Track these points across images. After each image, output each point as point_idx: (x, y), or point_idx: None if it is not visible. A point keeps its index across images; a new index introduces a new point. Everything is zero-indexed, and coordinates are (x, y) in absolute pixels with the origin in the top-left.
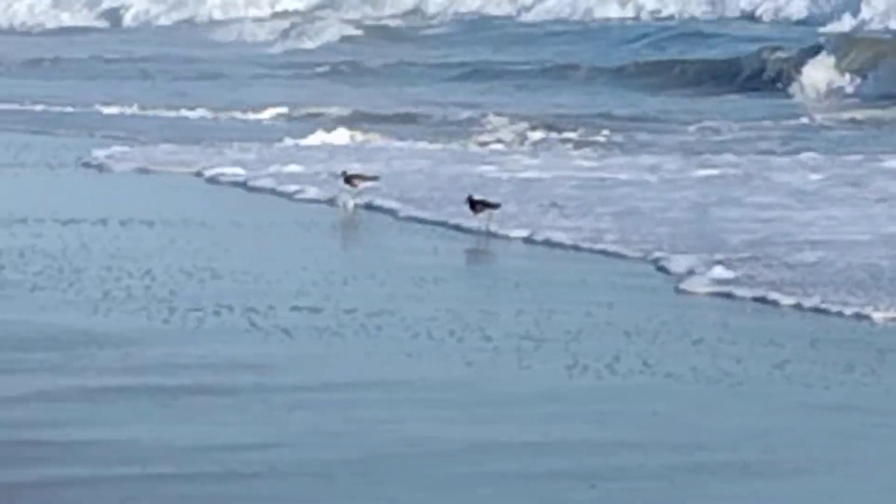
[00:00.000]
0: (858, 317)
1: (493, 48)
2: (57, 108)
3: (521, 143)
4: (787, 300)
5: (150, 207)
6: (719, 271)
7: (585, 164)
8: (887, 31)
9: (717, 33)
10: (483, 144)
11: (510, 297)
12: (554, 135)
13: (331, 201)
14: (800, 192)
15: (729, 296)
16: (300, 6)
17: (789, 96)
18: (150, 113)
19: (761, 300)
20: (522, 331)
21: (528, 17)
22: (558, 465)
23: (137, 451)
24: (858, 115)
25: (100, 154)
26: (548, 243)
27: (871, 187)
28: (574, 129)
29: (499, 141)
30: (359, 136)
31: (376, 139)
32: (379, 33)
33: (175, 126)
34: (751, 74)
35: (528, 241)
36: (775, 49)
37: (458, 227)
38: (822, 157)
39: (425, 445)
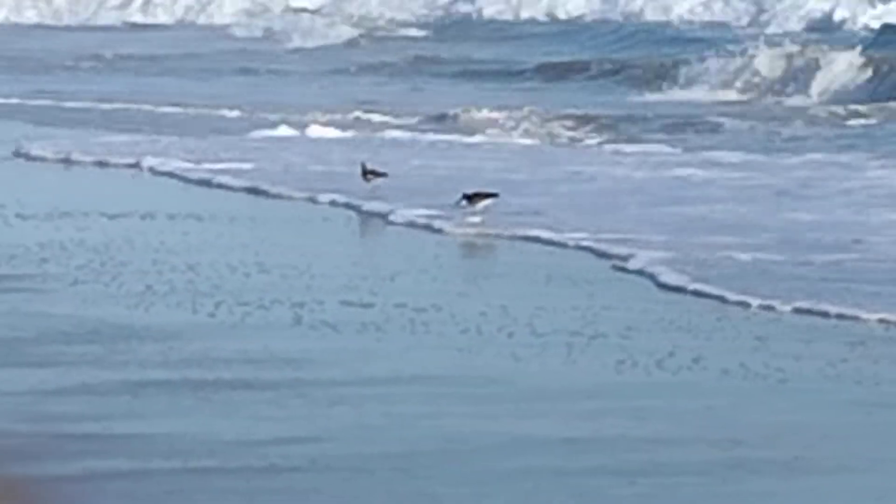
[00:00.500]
0: None
1: None
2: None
3: None
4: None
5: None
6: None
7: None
8: None
9: None
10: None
11: (562, 294)
12: None
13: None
14: None
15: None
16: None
17: None
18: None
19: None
20: (574, 327)
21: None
22: (598, 461)
23: (179, 444)
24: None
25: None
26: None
27: None
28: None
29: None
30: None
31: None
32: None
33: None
34: None
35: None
36: None
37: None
38: None
39: (466, 441)
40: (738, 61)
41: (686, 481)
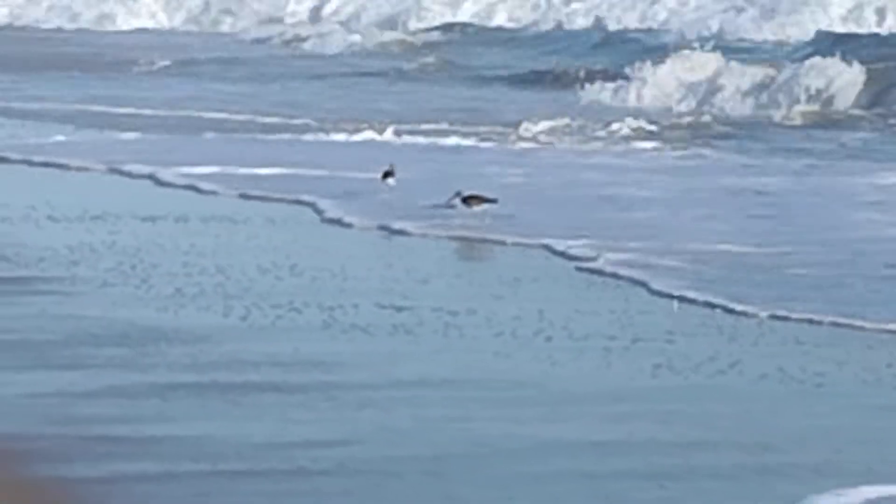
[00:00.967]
0: None
1: None
2: None
3: None
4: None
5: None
6: None
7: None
8: None
9: None
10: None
11: (600, 297)
12: None
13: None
14: None
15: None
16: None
17: None
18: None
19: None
20: (611, 331)
21: None
22: (627, 465)
23: (208, 447)
24: None
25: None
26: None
27: None
28: None
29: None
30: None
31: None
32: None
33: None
34: None
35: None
36: None
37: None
38: None
39: (494, 444)
40: None
41: (715, 486)
